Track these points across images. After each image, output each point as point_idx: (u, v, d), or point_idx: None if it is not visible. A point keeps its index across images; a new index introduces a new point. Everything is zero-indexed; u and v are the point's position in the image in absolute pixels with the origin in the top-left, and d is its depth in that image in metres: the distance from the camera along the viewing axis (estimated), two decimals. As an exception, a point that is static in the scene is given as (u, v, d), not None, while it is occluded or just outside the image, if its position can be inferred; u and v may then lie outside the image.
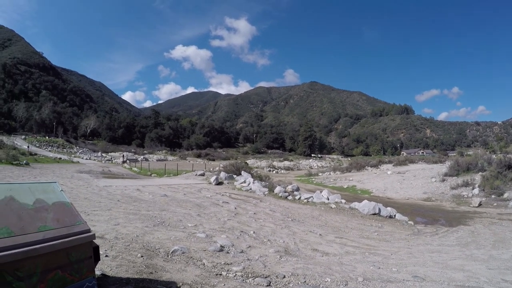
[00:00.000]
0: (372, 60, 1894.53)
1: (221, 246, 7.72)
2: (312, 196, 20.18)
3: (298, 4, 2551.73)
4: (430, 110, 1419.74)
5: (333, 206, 18.13)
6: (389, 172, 39.14)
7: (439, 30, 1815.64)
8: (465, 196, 24.17)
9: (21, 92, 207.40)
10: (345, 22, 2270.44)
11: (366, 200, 18.75)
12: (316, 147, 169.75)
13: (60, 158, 57.87)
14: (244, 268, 6.21)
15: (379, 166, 48.29)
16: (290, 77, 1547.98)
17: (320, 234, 11.04)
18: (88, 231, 3.92)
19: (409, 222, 15.86)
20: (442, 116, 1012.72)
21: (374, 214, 16.65)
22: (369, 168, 48.24)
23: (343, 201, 19.54)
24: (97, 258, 4.03)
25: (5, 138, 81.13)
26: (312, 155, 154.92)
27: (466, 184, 26.23)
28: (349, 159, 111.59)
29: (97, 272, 4.67)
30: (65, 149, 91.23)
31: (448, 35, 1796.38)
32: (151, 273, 5.42)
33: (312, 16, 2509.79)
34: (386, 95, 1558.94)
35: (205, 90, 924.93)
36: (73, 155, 74.48)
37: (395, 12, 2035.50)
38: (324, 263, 7.41)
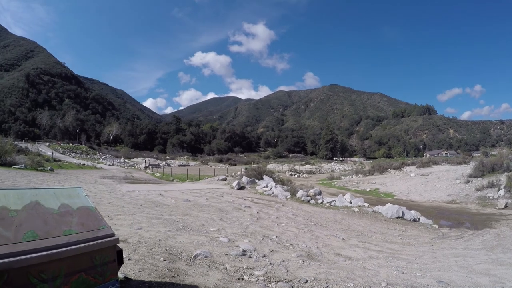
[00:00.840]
0: (392, 60, 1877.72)
1: (244, 250, 7.69)
2: (334, 200, 20.04)
3: (316, 7, 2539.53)
4: (452, 110, 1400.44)
5: (356, 209, 17.97)
6: (412, 175, 38.64)
7: (459, 27, 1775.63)
8: (490, 197, 23.70)
9: (45, 101, 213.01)
10: (364, 22, 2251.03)
11: (389, 203, 18.55)
12: (337, 150, 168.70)
13: (84, 164, 58.74)
14: (266, 273, 6.19)
15: (402, 168, 47.79)
16: (310, 80, 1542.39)
17: (343, 238, 10.94)
18: (112, 235, 3.98)
19: (434, 225, 15.60)
20: (465, 115, 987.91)
21: (398, 217, 16.43)
22: (391, 170, 47.78)
23: (366, 204, 19.35)
24: (120, 261, 4.07)
25: (30, 145, 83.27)
26: (334, 158, 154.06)
27: (491, 186, 25.67)
28: (371, 161, 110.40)
29: (120, 275, 4.71)
30: (88, 156, 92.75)
31: (470, 31, 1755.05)
32: (173, 276, 5.44)
33: (330, 18, 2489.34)
34: (408, 96, 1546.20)
35: (226, 95, 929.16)
36: (96, 161, 75.52)
37: (414, 9, 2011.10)
38: (347, 267, 7.33)
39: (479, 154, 72.30)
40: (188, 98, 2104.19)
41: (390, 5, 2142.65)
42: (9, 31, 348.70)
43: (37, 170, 34.25)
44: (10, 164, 33.80)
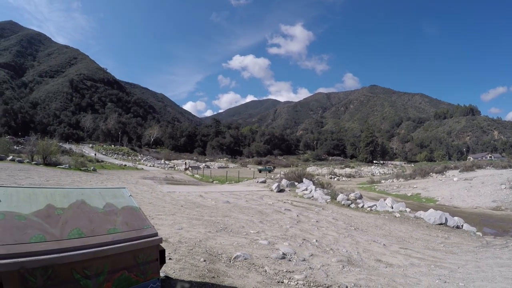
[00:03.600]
0: (433, 59, 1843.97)
1: (283, 253, 7.65)
2: (375, 205, 19.70)
3: (352, 5, 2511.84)
4: (497, 110, 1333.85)
5: (397, 215, 17.61)
6: (455, 179, 37.55)
7: (502, 22, 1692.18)
8: (538, 204, 22.78)
9: (88, 104, 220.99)
10: (403, 20, 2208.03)
11: (431, 209, 18.05)
12: (378, 153, 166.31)
13: (125, 165, 60.03)
14: (306, 277, 6.14)
15: (444, 172, 46.62)
16: (350, 82, 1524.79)
17: (384, 244, 10.73)
18: (156, 235, 4.04)
19: (477, 233, 15.03)
20: (510, 116, 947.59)
21: (440, 224, 15.98)
22: (433, 174, 46.67)
23: (408, 209, 18.92)
24: (162, 261, 4.13)
25: (73, 147, 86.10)
26: (374, 161, 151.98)
27: (540, 192, 24.68)
28: (413, 165, 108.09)
29: (161, 274, 4.76)
30: (129, 157, 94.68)
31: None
32: (213, 277, 5.47)
33: (367, 16, 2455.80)
34: (450, 96, 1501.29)
35: (264, 98, 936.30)
36: (137, 162, 77.06)
37: (454, 5, 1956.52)
38: (388, 274, 7.18)
39: (526, 158, 69.51)
40: (227, 101, 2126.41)
41: (428, 1, 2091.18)
42: (53, 39, 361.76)
43: (80, 170, 35.24)
44: (55, 164, 34.89)
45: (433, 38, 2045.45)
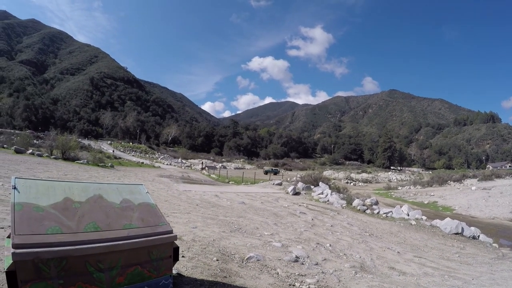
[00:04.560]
0: (454, 64, 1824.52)
1: (296, 256, 7.65)
2: (391, 211, 19.54)
3: (372, 7, 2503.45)
4: None
5: (413, 222, 17.43)
6: (473, 188, 37.03)
7: None
8: (559, 217, 22.33)
9: (108, 102, 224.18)
10: (423, 23, 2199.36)
11: (448, 218, 17.81)
12: (395, 159, 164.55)
13: (143, 163, 60.34)
14: (318, 281, 6.13)
15: (462, 181, 46.14)
16: (369, 85, 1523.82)
17: (398, 252, 10.62)
18: (170, 232, 4.08)
19: (493, 244, 14.78)
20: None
21: (457, 233, 15.76)
22: (451, 182, 46.19)
23: (424, 217, 18.72)
24: (176, 258, 4.17)
25: (92, 143, 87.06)
26: (391, 167, 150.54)
27: (560, 204, 24.20)
28: (430, 172, 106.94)
29: (174, 271, 4.79)
30: (147, 155, 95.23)
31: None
32: (225, 277, 5.49)
33: (388, 19, 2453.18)
34: (470, 102, 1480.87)
35: (283, 100, 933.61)
36: (154, 161, 77.42)
37: (475, 10, 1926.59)
38: (401, 283, 7.11)
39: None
40: (245, 102, 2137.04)
41: (449, 3, 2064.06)
42: (74, 38, 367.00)
43: (98, 166, 35.58)
44: (73, 159, 35.28)
45: (454, 43, 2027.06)
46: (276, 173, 71.83)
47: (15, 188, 3.45)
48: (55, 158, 33.46)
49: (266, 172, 68.91)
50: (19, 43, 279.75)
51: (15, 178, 3.58)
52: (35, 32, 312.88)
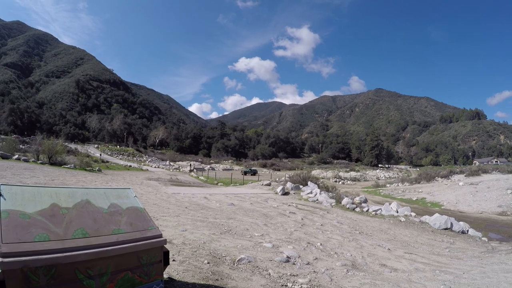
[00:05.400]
0: (439, 62, 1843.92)
1: (288, 257, 7.65)
2: (380, 209, 19.63)
3: (358, 7, 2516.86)
4: (503, 114, 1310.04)
5: (403, 219, 17.54)
6: (460, 183, 37.31)
7: (508, 26, 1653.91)
8: (545, 210, 22.59)
9: (94, 105, 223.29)
10: (409, 23, 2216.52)
11: (437, 213, 17.96)
12: (383, 157, 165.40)
13: (130, 166, 60.07)
14: (310, 281, 6.12)
15: (450, 177, 46.50)
16: (355, 85, 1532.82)
17: (389, 249, 10.67)
18: (160, 236, 4.04)
19: (483, 238, 14.90)
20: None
21: (446, 229, 15.89)
22: (439, 179, 46.54)
23: (413, 214, 18.85)
24: (166, 262, 4.13)
25: (79, 147, 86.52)
26: (379, 165, 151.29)
27: (547, 197, 24.49)
28: (418, 169, 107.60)
29: (164, 275, 4.77)
30: (135, 158, 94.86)
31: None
32: (216, 280, 5.47)
33: (374, 19, 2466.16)
34: (456, 100, 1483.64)
35: (270, 100, 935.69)
36: (142, 163, 77.04)
37: (460, 9, 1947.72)
38: (392, 279, 7.14)
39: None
40: (232, 103, 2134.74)
41: (434, 4, 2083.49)
42: (59, 40, 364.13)
43: (85, 170, 35.35)
44: (60, 164, 35.04)
45: (439, 42, 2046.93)
46: (254, 173, 71.45)
47: (0, 195, 3.39)
48: (42, 163, 33.18)
49: (245, 173, 68.24)
50: (4, 45, 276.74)
51: (1, 184, 3.51)
52: (20, 34, 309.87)
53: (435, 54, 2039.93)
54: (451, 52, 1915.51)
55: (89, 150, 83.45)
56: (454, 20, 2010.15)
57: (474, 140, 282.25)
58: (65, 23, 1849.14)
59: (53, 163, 34.52)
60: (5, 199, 3.36)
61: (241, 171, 73.87)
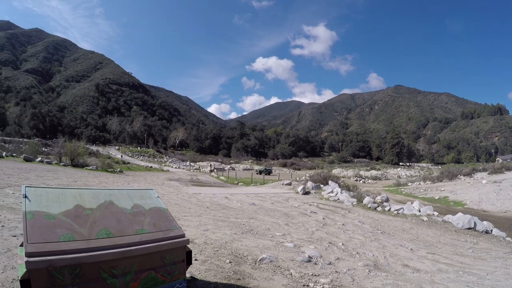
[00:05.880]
0: (459, 57, 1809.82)
1: (309, 256, 7.60)
2: (402, 208, 19.39)
3: (373, 3, 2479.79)
4: None
5: (425, 218, 17.29)
6: (483, 181, 36.66)
7: None
8: None
9: (114, 108, 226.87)
10: (427, 18, 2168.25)
11: (460, 212, 17.63)
12: (404, 155, 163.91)
13: (151, 167, 60.49)
14: (332, 281, 6.08)
15: (472, 174, 45.76)
16: (374, 82, 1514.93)
17: (411, 249, 10.52)
18: (183, 236, 4.07)
19: (507, 238, 14.52)
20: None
21: (469, 228, 15.58)
22: (461, 177, 45.82)
23: (436, 213, 18.55)
24: (189, 262, 4.16)
25: (100, 149, 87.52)
26: (400, 163, 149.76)
27: None
28: (440, 167, 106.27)
29: (187, 275, 4.78)
30: (155, 159, 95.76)
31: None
32: (238, 279, 5.48)
33: (390, 14, 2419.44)
34: (477, 95, 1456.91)
35: (289, 100, 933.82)
36: (163, 164, 77.69)
37: (479, 3, 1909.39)
38: (415, 280, 7.04)
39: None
40: (251, 103, 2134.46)
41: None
42: (78, 45, 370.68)
43: (107, 171, 35.76)
44: (82, 166, 35.46)
45: (458, 37, 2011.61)
46: (269, 172, 71.22)
47: (25, 196, 3.45)
48: (64, 165, 33.64)
49: (260, 172, 68.05)
50: (24, 52, 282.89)
51: (25, 186, 3.58)
52: (39, 41, 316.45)
53: (454, 48, 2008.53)
54: (470, 46, 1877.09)
55: (110, 152, 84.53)
56: (472, 13, 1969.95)
57: (497, 136, 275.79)
58: (83, 29, 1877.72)
59: (75, 165, 34.96)
60: (30, 201, 3.42)
61: (256, 170, 73.85)
